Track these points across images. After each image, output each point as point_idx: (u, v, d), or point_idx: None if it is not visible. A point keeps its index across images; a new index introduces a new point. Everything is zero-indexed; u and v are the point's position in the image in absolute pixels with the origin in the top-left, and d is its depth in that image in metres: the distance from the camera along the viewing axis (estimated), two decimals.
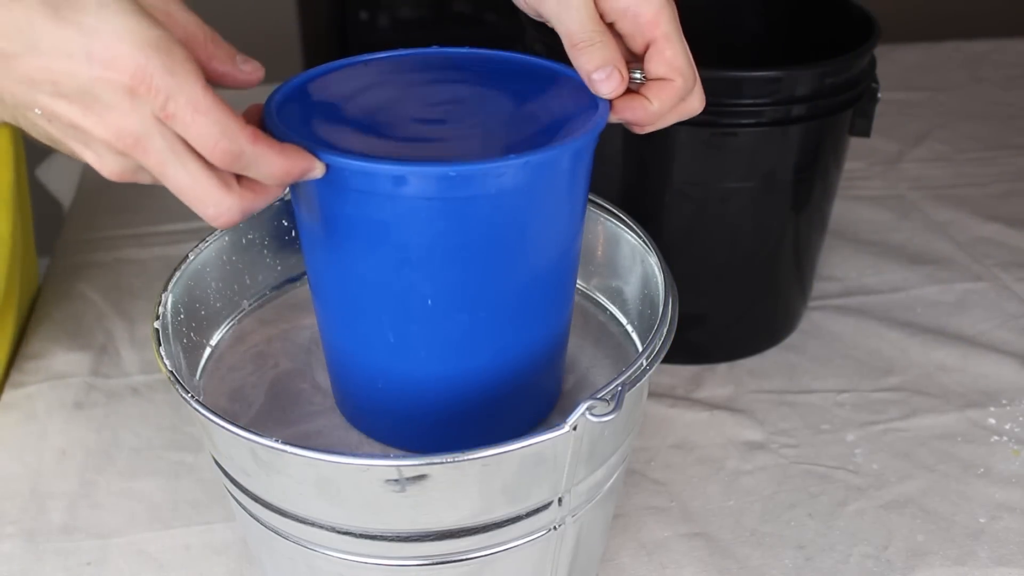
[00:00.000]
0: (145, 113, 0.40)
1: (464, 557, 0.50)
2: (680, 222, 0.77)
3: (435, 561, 0.50)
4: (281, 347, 0.61)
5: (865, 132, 0.77)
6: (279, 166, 0.43)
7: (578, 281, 0.64)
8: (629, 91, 0.51)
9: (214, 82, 0.44)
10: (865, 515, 0.69)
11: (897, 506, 0.70)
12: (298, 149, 0.44)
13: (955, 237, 1.00)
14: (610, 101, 0.50)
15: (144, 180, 0.44)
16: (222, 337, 0.61)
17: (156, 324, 0.53)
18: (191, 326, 0.58)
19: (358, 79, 0.53)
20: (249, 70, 0.45)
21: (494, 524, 0.49)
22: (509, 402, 0.54)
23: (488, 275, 0.49)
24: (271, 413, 0.56)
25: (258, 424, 0.56)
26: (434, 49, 0.55)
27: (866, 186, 1.08)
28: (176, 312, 0.56)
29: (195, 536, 0.67)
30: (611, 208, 0.60)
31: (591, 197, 0.61)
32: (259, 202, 0.44)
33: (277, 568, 0.55)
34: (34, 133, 0.43)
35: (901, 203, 1.06)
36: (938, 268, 0.95)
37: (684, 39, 0.51)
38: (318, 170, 0.44)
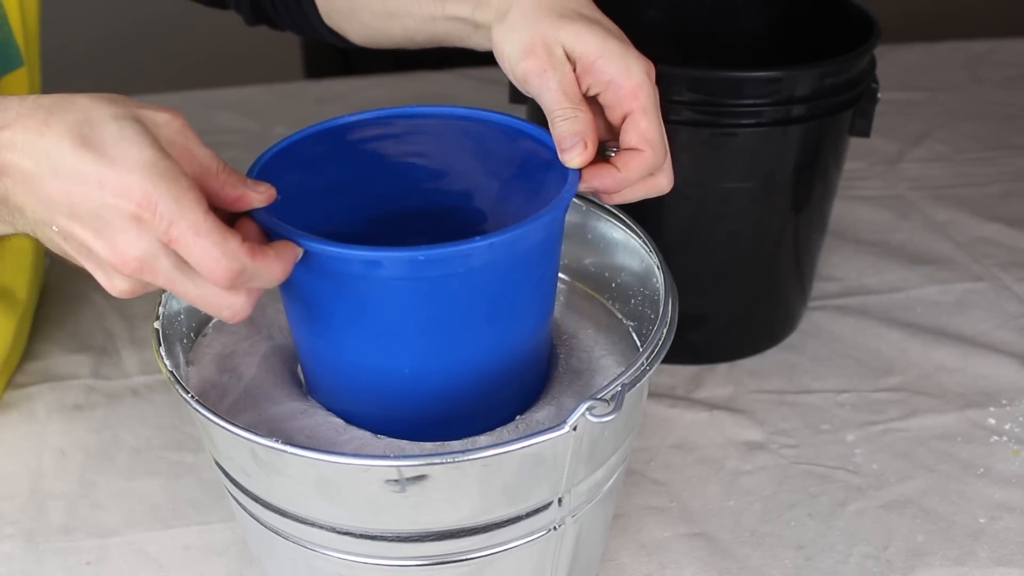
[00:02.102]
0: (151, 238, 0.43)
1: (464, 557, 0.50)
2: (680, 222, 0.77)
3: (435, 561, 0.50)
4: (275, 318, 0.60)
5: (865, 132, 0.77)
6: (278, 271, 0.46)
7: (579, 283, 0.64)
8: (601, 161, 0.53)
9: (229, 206, 0.47)
10: (865, 515, 0.69)
11: (897, 506, 0.70)
12: (288, 244, 0.46)
13: (955, 237, 1.00)
14: (580, 171, 0.52)
15: (152, 290, 0.46)
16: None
17: (156, 324, 0.53)
18: (191, 326, 0.58)
19: (331, 148, 0.55)
20: (262, 190, 0.48)
21: (494, 524, 0.49)
22: (490, 401, 0.54)
23: (463, 343, 0.50)
24: (261, 388, 0.55)
25: (246, 401, 0.55)
26: (411, 109, 0.57)
27: (866, 186, 1.08)
28: (176, 312, 0.56)
29: (195, 536, 0.67)
30: (611, 208, 0.60)
31: (591, 197, 0.61)
32: (262, 291, 0.47)
33: (277, 568, 0.55)
34: (51, 247, 0.46)
35: (901, 203, 1.06)
36: (938, 268, 0.95)
37: (661, 117, 0.53)
38: (301, 253, 0.47)
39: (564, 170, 0.52)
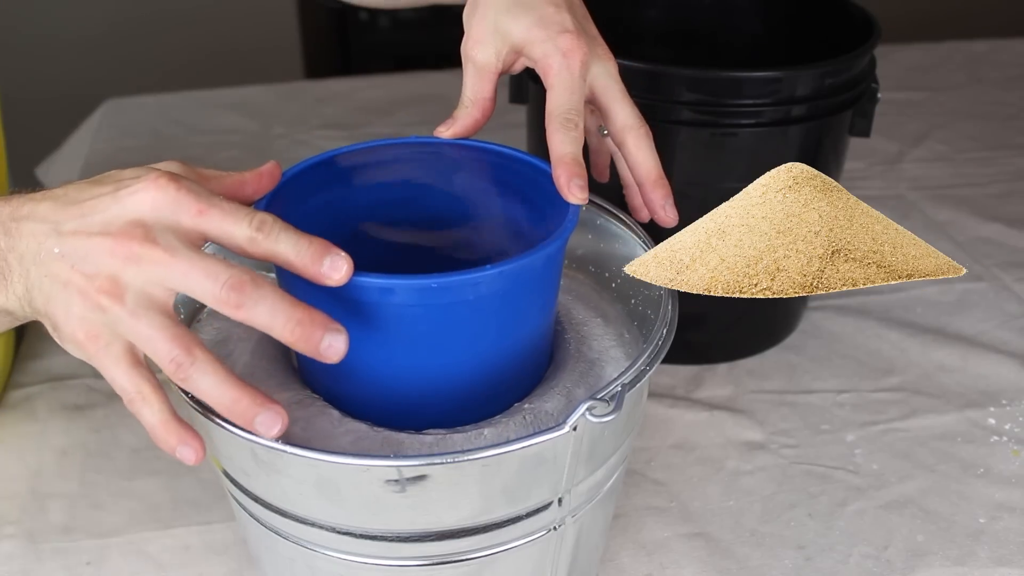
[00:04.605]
0: (160, 203, 0.44)
1: (464, 557, 0.50)
2: (680, 222, 0.77)
3: (435, 561, 0.50)
4: None
5: (865, 132, 0.77)
6: (301, 239, 0.45)
7: (579, 278, 0.64)
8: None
9: (246, 198, 0.51)
10: (865, 515, 0.69)
11: (897, 506, 0.70)
12: (324, 242, 0.46)
13: (955, 237, 1.00)
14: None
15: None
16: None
17: None
18: (191, 326, 0.58)
19: (335, 177, 0.57)
20: (268, 169, 0.52)
21: (494, 524, 0.49)
22: (492, 393, 0.54)
23: (469, 363, 0.51)
24: (256, 376, 0.55)
25: None
26: (414, 139, 0.59)
27: (866, 186, 1.08)
28: (176, 312, 0.56)
29: (195, 536, 0.67)
30: (611, 208, 0.60)
31: (591, 197, 0.61)
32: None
33: (277, 568, 0.55)
34: (37, 291, 0.46)
35: (901, 203, 1.06)
36: None
37: (567, 87, 0.55)
38: (340, 268, 0.45)
39: (564, 201, 0.53)
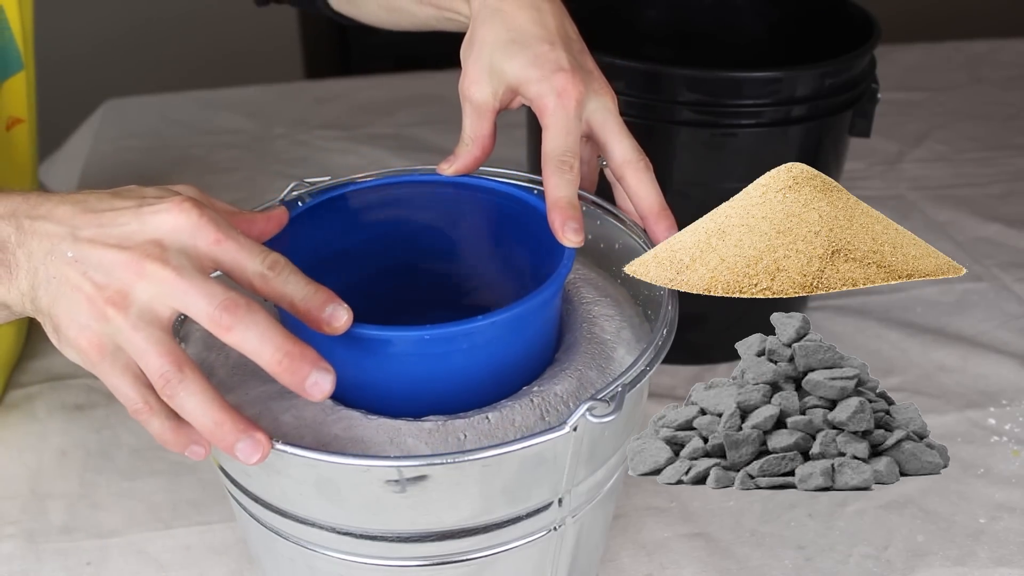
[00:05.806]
0: (182, 222, 0.45)
1: (464, 558, 0.50)
2: (680, 222, 0.77)
3: (435, 562, 0.50)
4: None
5: (865, 132, 0.77)
6: (308, 285, 0.46)
7: (583, 261, 0.63)
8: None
9: (257, 236, 0.52)
10: (865, 515, 0.69)
11: (897, 506, 0.70)
12: (328, 292, 0.46)
13: (955, 237, 1.00)
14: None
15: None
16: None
17: None
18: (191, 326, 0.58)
19: (344, 215, 0.58)
20: (276, 215, 0.53)
21: (494, 525, 0.49)
22: (494, 387, 0.53)
23: (467, 399, 0.51)
24: (249, 364, 0.54)
25: (233, 380, 0.54)
26: (415, 177, 0.60)
27: (866, 186, 1.08)
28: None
29: (195, 536, 0.67)
30: (611, 209, 0.60)
31: (591, 197, 0.61)
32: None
33: (277, 569, 0.55)
34: (43, 290, 0.46)
35: (901, 203, 1.06)
36: None
37: (564, 129, 0.56)
38: (339, 317, 0.46)
39: (559, 246, 0.54)
